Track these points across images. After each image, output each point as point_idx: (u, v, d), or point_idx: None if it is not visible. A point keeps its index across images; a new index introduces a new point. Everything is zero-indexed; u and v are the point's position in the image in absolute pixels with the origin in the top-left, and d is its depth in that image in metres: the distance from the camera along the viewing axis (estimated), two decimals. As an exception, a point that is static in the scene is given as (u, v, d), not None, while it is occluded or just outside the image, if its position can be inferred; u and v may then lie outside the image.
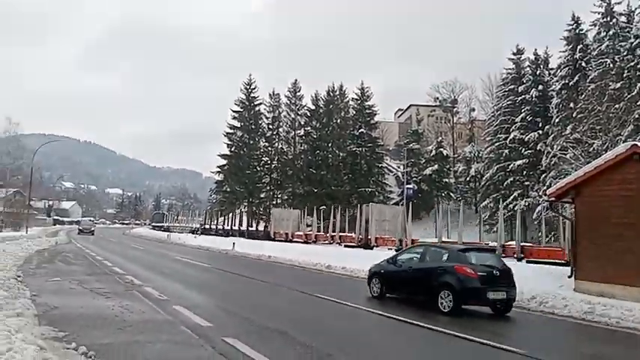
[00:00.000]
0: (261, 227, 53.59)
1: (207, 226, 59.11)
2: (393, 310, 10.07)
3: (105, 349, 6.08)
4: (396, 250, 23.23)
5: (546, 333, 9.12)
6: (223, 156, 67.56)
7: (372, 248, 29.06)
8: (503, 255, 19.02)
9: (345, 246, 31.13)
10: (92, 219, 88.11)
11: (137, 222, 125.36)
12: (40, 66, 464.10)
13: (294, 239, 36.16)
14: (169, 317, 8.44)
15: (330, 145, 64.55)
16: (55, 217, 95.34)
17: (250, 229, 51.69)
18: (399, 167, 62.20)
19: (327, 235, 35.54)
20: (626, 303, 10.56)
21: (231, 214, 58.38)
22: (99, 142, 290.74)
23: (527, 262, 19.69)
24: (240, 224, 53.37)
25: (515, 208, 38.43)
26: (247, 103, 68.12)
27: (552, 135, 40.26)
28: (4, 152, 51.75)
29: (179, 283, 14.07)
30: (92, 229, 57.75)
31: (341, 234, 34.84)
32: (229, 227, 53.42)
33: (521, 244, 21.64)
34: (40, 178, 74.58)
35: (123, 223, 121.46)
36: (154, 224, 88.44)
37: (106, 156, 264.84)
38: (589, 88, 35.77)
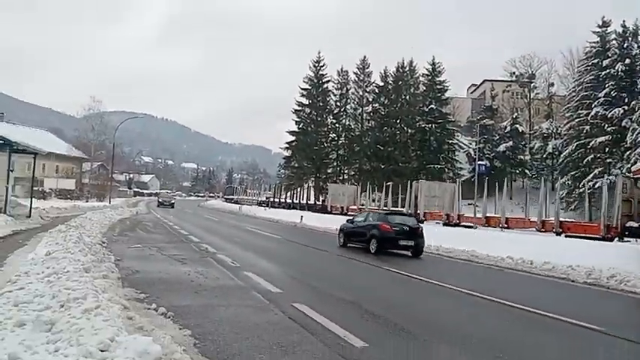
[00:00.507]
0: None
1: (275, 200, 60.27)
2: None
3: (182, 310, 6.42)
4: (443, 224, 28.56)
5: (622, 310, 8.66)
6: (292, 132, 68.43)
7: (421, 222, 27.94)
8: (543, 229, 22.65)
9: None
10: (169, 191, 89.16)
11: (211, 195, 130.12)
12: (115, 44, 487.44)
13: (349, 213, 36.59)
14: (241, 283, 8.76)
15: (398, 121, 63.64)
16: (135, 189, 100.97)
17: (317, 203, 52.31)
18: (470, 144, 60.33)
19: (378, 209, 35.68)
20: None
21: (298, 189, 59.19)
22: (175, 118, 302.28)
23: (566, 236, 21.08)
24: (308, 198, 54.01)
25: (596, 186, 36.35)
26: (316, 81, 68.27)
27: (639, 111, 37.53)
28: (89, 129, 54.86)
29: (250, 251, 14.51)
30: (172, 201, 53.67)
31: (392, 209, 34.93)
32: (297, 201, 54.25)
33: (560, 219, 23.11)
34: (121, 152, 79.11)
35: (198, 196, 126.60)
36: (226, 197, 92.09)
37: (181, 132, 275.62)
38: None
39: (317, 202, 54.35)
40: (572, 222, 23.52)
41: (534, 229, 23.54)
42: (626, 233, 19.75)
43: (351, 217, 20.93)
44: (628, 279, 10.67)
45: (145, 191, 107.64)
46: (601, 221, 20.86)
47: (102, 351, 4.08)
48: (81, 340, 4.21)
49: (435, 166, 58.04)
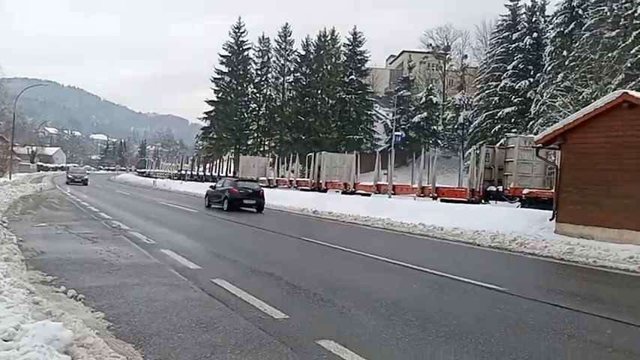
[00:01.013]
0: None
1: (193, 173, 58.77)
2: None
3: (94, 291, 6.14)
4: (342, 193, 31.46)
5: (523, 270, 9.42)
6: (210, 102, 66.64)
7: (324, 191, 33.21)
8: (422, 195, 25.37)
9: (301, 189, 35.11)
10: (77, 165, 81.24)
11: (122, 168, 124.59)
12: (24, 6, 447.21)
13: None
14: (157, 261, 8.51)
15: (319, 92, 63.84)
16: (39, 164, 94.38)
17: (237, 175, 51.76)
18: (388, 115, 61.92)
19: (287, 179, 39.54)
20: (604, 244, 10.93)
21: (218, 161, 58.10)
22: (83, 87, 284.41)
23: (441, 200, 23.99)
24: (228, 171, 53.21)
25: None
26: (236, 48, 66.59)
27: (543, 83, 40.19)
28: (-15, 97, 50.49)
29: (166, 227, 14.15)
30: (85, 177, 45.59)
31: (299, 179, 39.03)
32: (217, 173, 53.25)
33: (436, 185, 25.50)
34: (22, 123, 73.14)
35: (108, 169, 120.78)
36: (138, 170, 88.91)
37: (90, 101, 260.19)
38: (584, 37, 35.41)
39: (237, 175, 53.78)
40: (445, 187, 26.22)
41: (415, 195, 26.18)
42: (490, 197, 22.98)
43: (213, 184, 25.56)
44: (528, 241, 11.56)
45: (50, 165, 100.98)
46: (467, 186, 23.50)
47: (6, 341, 3.82)
48: (-19, 331, 3.91)
49: (354, 136, 59.11)
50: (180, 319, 5.14)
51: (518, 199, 21.71)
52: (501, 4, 51.09)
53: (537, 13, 48.88)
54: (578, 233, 12.24)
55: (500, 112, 45.74)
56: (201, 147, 74.50)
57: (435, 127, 57.47)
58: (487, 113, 47.59)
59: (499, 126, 45.56)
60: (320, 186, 34.77)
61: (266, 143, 66.16)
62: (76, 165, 72.57)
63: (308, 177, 38.19)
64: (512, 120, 45.32)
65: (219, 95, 66.21)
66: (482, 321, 5.55)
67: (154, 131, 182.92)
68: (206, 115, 67.25)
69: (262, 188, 22.85)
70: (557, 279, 8.94)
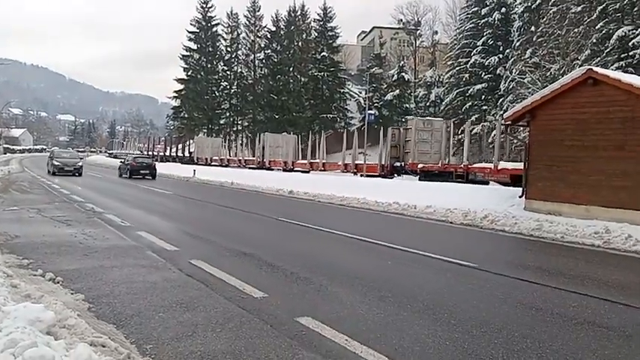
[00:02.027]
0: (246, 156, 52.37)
1: (164, 154, 58.17)
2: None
3: (72, 274, 6.14)
4: (283, 170, 35.11)
5: (493, 247, 9.75)
6: (180, 80, 65.54)
7: (269, 169, 36.69)
8: (346, 170, 29.90)
9: (249, 168, 38.35)
10: (64, 149, 61.76)
11: (92, 150, 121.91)
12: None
13: (212, 164, 42.42)
14: (134, 243, 8.51)
15: (291, 69, 63.31)
16: (5, 146, 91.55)
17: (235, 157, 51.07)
18: (360, 93, 61.90)
19: (236, 159, 42.34)
20: (572, 220, 11.31)
21: (190, 141, 57.52)
22: (47, 65, 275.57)
23: (361, 175, 27.71)
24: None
25: (473, 132, 39.17)
26: (204, 24, 65.34)
27: (512, 59, 40.55)
28: (-57, 76, 48.42)
29: (141, 209, 14.07)
30: (78, 164, 31.78)
31: (247, 158, 42.91)
32: (188, 154, 53.04)
33: (355, 162, 30.05)
34: (-15, 104, 70.62)
35: (78, 151, 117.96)
36: (108, 152, 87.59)
37: (55, 80, 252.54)
38: (551, 12, 35.76)
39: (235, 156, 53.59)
40: (362, 164, 29.39)
41: (339, 170, 30.98)
42: (396, 172, 27.23)
43: (122, 160, 36.25)
44: (498, 219, 11.90)
45: (16, 147, 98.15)
46: (378, 163, 28.02)
47: (-13, 323, 3.83)
48: (-41, 316, 3.92)
49: (328, 115, 59.02)
50: (160, 300, 5.22)
51: (417, 172, 25.47)
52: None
53: (506, -14, 49.04)
54: (547, 210, 12.63)
55: (471, 89, 46.13)
56: (172, 127, 73.43)
57: (407, 105, 57.73)
58: (458, 90, 47.94)
59: (470, 103, 45.99)
60: (264, 164, 38.56)
61: (239, 123, 65.52)
62: (64, 149, 48.67)
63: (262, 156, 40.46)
64: (483, 97, 45.78)
65: (189, 73, 65.11)
66: (455, 295, 5.78)
67: (123, 111, 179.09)
68: (176, 94, 66.20)
69: (154, 162, 32.98)
70: (525, 255, 9.28)
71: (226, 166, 39.66)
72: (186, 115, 65.89)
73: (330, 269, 6.97)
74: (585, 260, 8.54)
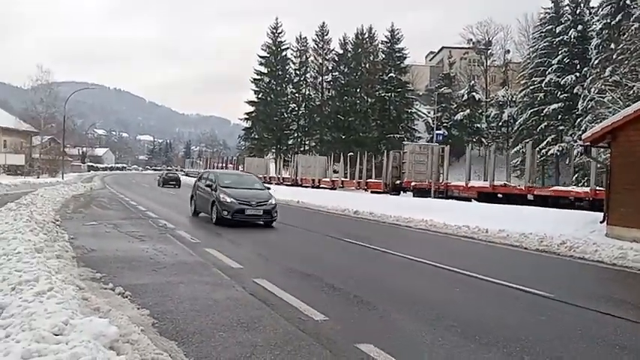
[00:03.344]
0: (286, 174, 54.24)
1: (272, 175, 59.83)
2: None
3: (140, 289, 6.32)
4: (311, 187, 38.90)
5: (572, 276, 9.10)
6: (251, 102, 67.53)
7: (300, 186, 40.48)
8: (359, 188, 34.70)
9: (285, 184, 41.68)
10: (125, 165, 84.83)
11: (169, 168, 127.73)
12: (70, 13, 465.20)
13: (321, 185, 40.69)
14: (201, 259, 8.68)
15: (358, 90, 63.65)
16: (89, 164, 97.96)
17: (278, 175, 52.91)
18: (429, 112, 61.06)
19: (354, 181, 39.77)
20: (660, 249, 10.37)
21: (268, 157, 58.92)
22: (128, 89, 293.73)
23: (371, 192, 32.08)
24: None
25: (549, 153, 37.50)
26: (274, 48, 67.21)
27: (590, 77, 38.69)
28: (37, 101, 52.54)
29: (210, 227, 14.38)
30: (178, 177, 46.74)
31: (284, 176, 46.10)
32: (275, 174, 54.38)
33: (367, 180, 35.12)
34: (73, 125, 75.94)
35: (155, 169, 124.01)
36: (183, 170, 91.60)
37: (136, 103, 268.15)
38: (632, 28, 33.90)
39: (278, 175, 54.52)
40: (372, 182, 34.62)
41: (354, 187, 35.39)
42: (397, 189, 31.19)
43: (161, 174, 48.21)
44: (577, 245, 11.13)
45: (99, 165, 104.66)
46: (382, 180, 32.97)
47: (56, 335, 3.97)
48: (33, 325, 4.08)
49: (395, 135, 58.60)
50: (222, 318, 5.23)
51: (411, 189, 29.66)
52: (543, -2, 49.61)
53: (582, 5, 47.09)
54: (632, 237, 11.67)
55: (546, 109, 44.32)
56: (243, 147, 75.58)
57: (478, 125, 56.28)
58: (532, 110, 46.22)
59: (545, 123, 44.19)
60: (297, 180, 43.04)
61: (306, 143, 66.42)
62: (231, 172, 68.10)
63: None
64: (559, 117, 43.85)
65: (259, 96, 67.00)
66: (528, 328, 5.40)
67: (198, 132, 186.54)
68: (247, 116, 68.19)
69: (179, 175, 44.66)
70: (608, 285, 8.58)
71: (269, 182, 40.26)
72: (256, 136, 67.66)
73: (394, 294, 6.76)
74: (677, 294, 7.77)
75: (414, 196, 28.12)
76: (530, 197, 21.41)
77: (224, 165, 68.97)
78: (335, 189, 36.13)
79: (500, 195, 23.00)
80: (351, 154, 40.84)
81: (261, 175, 47.99)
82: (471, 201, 23.85)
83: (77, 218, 14.76)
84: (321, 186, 38.96)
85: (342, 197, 26.49)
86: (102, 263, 7.85)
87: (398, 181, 31.68)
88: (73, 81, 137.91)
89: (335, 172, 43.42)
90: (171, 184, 43.62)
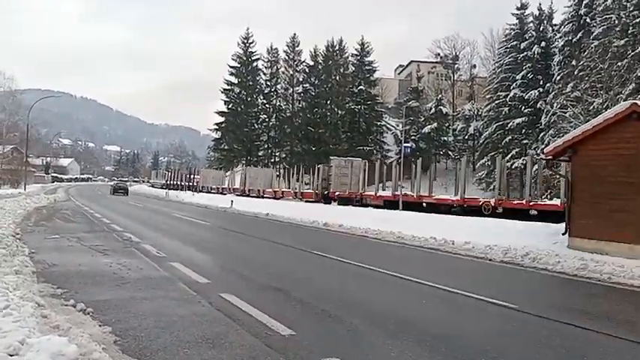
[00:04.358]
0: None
1: (205, 185, 59.33)
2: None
3: (103, 305, 6.16)
4: (255, 196, 41.85)
5: (535, 287, 9.30)
6: (221, 113, 67.12)
7: (247, 196, 42.62)
8: (297, 197, 38.19)
9: (265, 197, 41.79)
10: (91, 176, 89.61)
11: (135, 179, 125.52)
12: (35, 18, 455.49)
13: (265, 195, 43.48)
14: (167, 274, 8.52)
15: (328, 102, 64.03)
16: (54, 174, 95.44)
17: (229, 186, 54.95)
18: (397, 125, 61.82)
19: (291, 190, 42.85)
20: (619, 259, 10.68)
21: (229, 172, 58.53)
22: (95, 97, 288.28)
23: (306, 201, 35.73)
24: (231, 182, 54.30)
25: (514, 166, 38.40)
26: (245, 59, 67.12)
27: (553, 93, 39.88)
28: (0, 108, 51.10)
29: (177, 240, 14.19)
30: (126, 187, 59.45)
31: (264, 189, 45.60)
32: (228, 185, 54.02)
33: (302, 190, 39.87)
34: (37, 134, 73.96)
35: (121, 180, 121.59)
36: (150, 182, 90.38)
37: (103, 112, 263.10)
38: (592, 46, 35.16)
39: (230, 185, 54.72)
40: (306, 192, 39.13)
41: (291, 197, 38.76)
42: (326, 198, 35.24)
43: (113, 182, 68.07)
44: (540, 256, 11.39)
45: (64, 176, 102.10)
46: (313, 191, 37.80)
47: (11, 355, 3.84)
48: (-14, 345, 3.94)
49: (365, 147, 59.05)
50: (187, 335, 5.14)
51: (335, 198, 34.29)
52: (508, 13, 51.05)
53: (545, 22, 48.60)
54: (592, 248, 12.01)
55: (511, 123, 45.41)
56: (212, 158, 74.91)
57: (445, 138, 57.25)
58: (497, 124, 47.29)
59: (510, 137, 45.23)
60: (245, 192, 46.30)
61: (277, 154, 66.29)
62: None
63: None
64: (523, 131, 44.96)
65: (230, 106, 66.65)
66: (495, 339, 5.48)
67: (166, 142, 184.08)
68: (217, 127, 67.71)
69: (127, 185, 60.03)
70: (570, 296, 8.81)
71: (279, 198, 40.55)
72: (226, 147, 67.16)
73: (362, 307, 6.76)
74: (635, 304, 8.02)
75: (338, 204, 32.21)
76: (424, 204, 26.08)
77: (189, 175, 68.83)
78: (277, 198, 39.38)
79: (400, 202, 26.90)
80: (320, 165, 41.08)
81: (215, 186, 55.06)
82: (382, 208, 27.46)
83: (39, 231, 14.36)
84: (264, 195, 42.07)
85: (285, 206, 28.36)
86: (63, 278, 7.63)
87: (326, 192, 36.00)
88: (38, 88, 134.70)
89: (306, 183, 43.85)
90: (120, 192, 53.47)
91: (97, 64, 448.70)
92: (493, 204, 22.80)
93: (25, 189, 42.18)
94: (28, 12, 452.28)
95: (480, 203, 23.67)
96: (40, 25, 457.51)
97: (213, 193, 50.53)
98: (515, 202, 23.78)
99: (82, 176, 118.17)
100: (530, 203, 21.66)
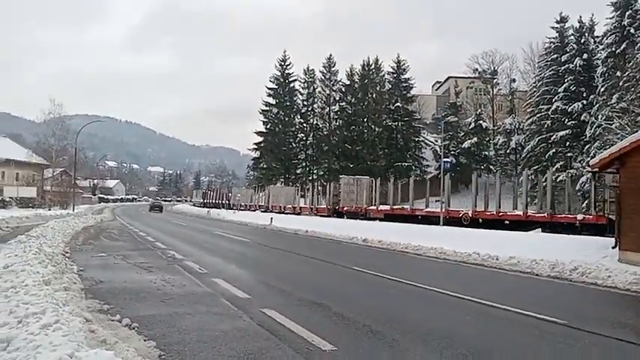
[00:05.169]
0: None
1: (244, 203, 60.10)
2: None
3: (147, 320, 6.29)
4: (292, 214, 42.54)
5: (585, 302, 8.93)
6: (259, 133, 68.11)
7: (298, 214, 42.72)
8: (315, 213, 40.27)
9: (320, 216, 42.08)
10: (135, 196, 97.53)
11: (179, 199, 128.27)
12: (82, 48, 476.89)
13: (286, 211, 45.41)
14: (209, 290, 8.64)
15: (365, 120, 64.04)
16: (100, 195, 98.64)
17: (255, 203, 56.59)
18: (436, 141, 61.17)
19: (307, 206, 44.99)
20: (674, 274, 10.18)
21: (267, 190, 59.01)
22: (139, 121, 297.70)
23: (320, 215, 38.02)
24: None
25: (558, 180, 37.32)
26: (282, 80, 68.13)
27: (597, 105, 38.72)
28: (49, 134, 53.31)
29: (219, 257, 14.37)
30: (161, 204, 72.47)
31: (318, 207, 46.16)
32: (267, 203, 54.52)
33: (317, 206, 42.59)
34: (84, 157, 76.86)
35: (164, 200, 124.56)
36: (192, 201, 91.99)
37: (146, 135, 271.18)
38: (637, 56, 34.06)
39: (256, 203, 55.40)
40: (320, 207, 41.60)
41: (307, 212, 41.05)
42: (337, 213, 37.33)
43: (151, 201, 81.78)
44: (589, 271, 10.96)
45: (110, 197, 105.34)
46: (326, 206, 40.49)
47: (61, 368, 3.95)
48: (38, 358, 4.07)
49: (403, 163, 58.66)
50: (229, 349, 5.18)
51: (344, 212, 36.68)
52: (547, 27, 50.12)
53: (586, 34, 47.46)
54: (644, 262, 11.52)
55: (554, 136, 44.26)
56: (252, 177, 75.93)
57: (486, 153, 56.21)
58: (540, 137, 46.17)
59: (554, 150, 44.04)
60: (268, 208, 48.57)
61: (314, 172, 66.56)
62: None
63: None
64: (567, 144, 43.73)
65: (268, 126, 67.60)
66: (541, 356, 5.29)
67: (207, 162, 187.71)
68: (256, 146, 68.68)
69: (163, 203, 77.02)
70: (622, 311, 8.40)
71: (298, 213, 42.11)
72: (265, 166, 67.94)
73: (403, 323, 6.66)
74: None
75: (347, 217, 34.44)
76: (419, 217, 28.94)
77: (229, 194, 70.77)
78: (297, 214, 41.61)
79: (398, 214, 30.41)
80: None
81: (243, 203, 59.12)
82: (382, 220, 30.00)
83: (86, 250, 14.82)
84: (285, 211, 44.39)
85: (324, 224, 28.19)
86: (110, 295, 7.84)
87: (337, 207, 38.38)
88: (85, 114, 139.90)
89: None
90: (156, 209, 63.45)
91: (141, 88, 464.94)
92: (471, 215, 25.95)
93: (73, 210, 43.74)
94: (74, 40, 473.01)
95: (460, 215, 26.68)
96: (86, 53, 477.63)
97: (242, 209, 53.76)
98: (489, 213, 26.04)
99: (127, 197, 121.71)
100: (500, 214, 25.02)
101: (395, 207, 33.00)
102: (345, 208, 37.08)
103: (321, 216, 37.32)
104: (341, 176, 43.89)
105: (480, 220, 25.04)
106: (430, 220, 27.11)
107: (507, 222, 23.85)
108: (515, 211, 25.78)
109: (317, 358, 4.93)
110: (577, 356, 5.31)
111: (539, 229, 21.90)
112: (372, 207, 34.98)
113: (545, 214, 23.53)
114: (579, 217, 22.21)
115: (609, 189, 17.73)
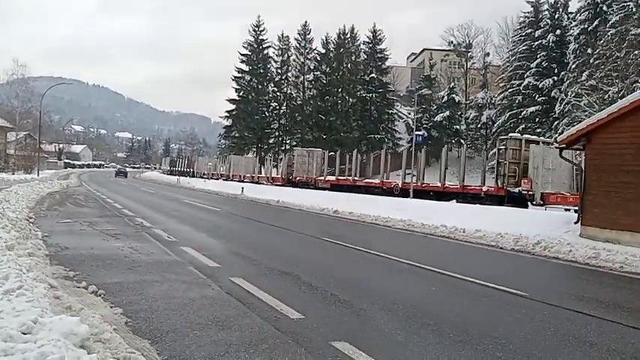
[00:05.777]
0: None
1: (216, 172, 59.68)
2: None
3: (114, 287, 6.23)
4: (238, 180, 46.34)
5: (546, 275, 9.24)
6: (232, 101, 67.06)
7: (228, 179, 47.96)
8: (272, 182, 42.86)
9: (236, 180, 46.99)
10: (103, 163, 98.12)
11: (147, 166, 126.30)
12: (51, 7, 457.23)
13: (245, 180, 46.93)
14: (178, 258, 8.60)
15: (339, 90, 63.63)
16: (66, 161, 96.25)
17: (216, 172, 58.02)
18: (409, 114, 61.44)
19: (262, 175, 47.57)
20: (632, 249, 10.60)
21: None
22: (107, 85, 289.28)
23: (275, 184, 39.88)
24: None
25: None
26: (256, 46, 66.86)
27: (567, 81, 39.40)
28: (13, 95, 51.47)
29: (188, 225, 14.27)
30: (126, 171, 76.34)
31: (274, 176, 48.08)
32: (217, 172, 56.03)
33: (273, 175, 44.75)
34: (49, 121, 74.72)
35: (133, 167, 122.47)
36: (161, 169, 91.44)
37: (114, 99, 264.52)
38: (608, 34, 34.60)
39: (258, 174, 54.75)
40: (275, 177, 43.96)
41: (264, 181, 43.76)
42: (290, 183, 39.21)
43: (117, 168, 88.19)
44: (551, 245, 11.31)
45: (76, 163, 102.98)
46: (280, 176, 42.80)
47: (24, 334, 3.89)
48: (1, 323, 4.00)
49: (376, 136, 58.83)
50: (197, 317, 5.19)
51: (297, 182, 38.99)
52: (523, 2, 50.33)
53: (560, 10, 47.86)
54: (604, 237, 11.92)
55: (524, 112, 45.01)
56: (224, 145, 75.11)
57: (457, 127, 56.81)
58: (511, 112, 46.88)
59: (523, 125, 44.81)
60: (229, 177, 50.93)
61: (287, 142, 66.19)
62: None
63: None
64: (537, 119, 44.54)
65: (241, 94, 66.57)
66: (502, 325, 5.46)
67: (177, 129, 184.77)
68: (228, 114, 67.70)
69: (126, 170, 79.90)
70: (581, 285, 8.74)
71: (257, 182, 44.25)
72: (237, 135, 67.19)
73: (370, 293, 6.77)
74: (647, 293, 7.94)
75: (299, 187, 36.19)
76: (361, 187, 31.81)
77: (194, 161, 71.49)
78: (255, 182, 43.65)
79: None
80: (332, 153, 41.16)
81: (206, 172, 59.68)
82: (330, 190, 32.25)
83: (52, 216, 14.51)
84: (244, 180, 46.39)
85: (296, 194, 28.62)
86: (76, 261, 7.72)
87: (290, 177, 40.53)
88: (51, 76, 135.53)
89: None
90: (121, 175, 68.03)
91: (110, 53, 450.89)
92: (401, 186, 29.12)
93: (38, 175, 42.63)
94: (45, 2, 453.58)
95: (392, 185, 29.91)
96: (55, 14, 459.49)
97: (205, 177, 55.07)
98: (413, 184, 28.30)
99: (94, 163, 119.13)
100: (423, 185, 28.05)
101: (340, 178, 36.41)
102: (298, 178, 39.72)
103: (275, 185, 39.47)
104: (295, 148, 46.76)
105: (410, 190, 27.37)
106: (371, 190, 30.23)
107: (431, 193, 26.45)
108: (437, 183, 28.17)
109: (285, 325, 4.99)
110: (536, 326, 5.51)
111: (454, 200, 23.95)
112: (321, 177, 38.32)
113: (459, 186, 26.28)
114: (484, 188, 24.52)
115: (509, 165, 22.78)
